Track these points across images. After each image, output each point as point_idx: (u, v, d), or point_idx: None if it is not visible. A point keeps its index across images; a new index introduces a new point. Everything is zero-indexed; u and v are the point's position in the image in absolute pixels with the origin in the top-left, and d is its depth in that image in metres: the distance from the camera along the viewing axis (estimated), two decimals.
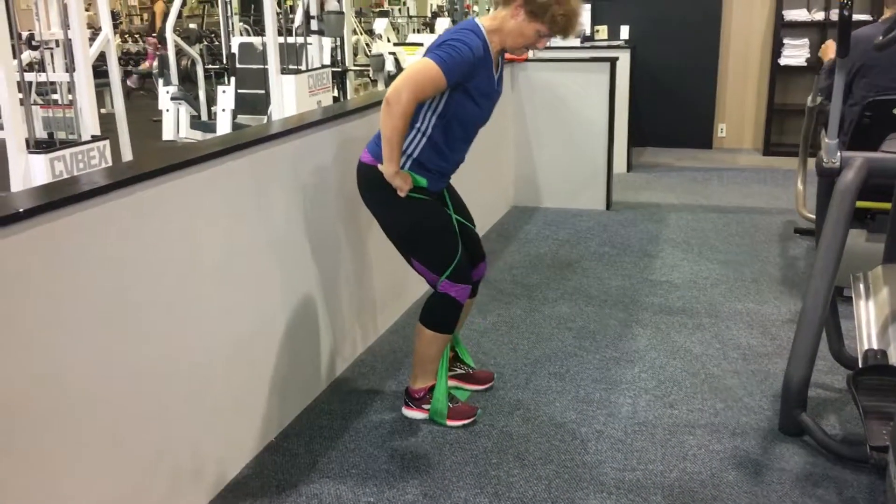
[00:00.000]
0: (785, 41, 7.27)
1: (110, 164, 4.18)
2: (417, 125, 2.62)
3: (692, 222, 5.36)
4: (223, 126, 6.70)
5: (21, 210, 1.71)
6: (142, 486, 2.14)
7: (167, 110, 7.22)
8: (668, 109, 7.65)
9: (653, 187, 6.37)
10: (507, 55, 2.76)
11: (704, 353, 3.41)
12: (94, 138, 4.06)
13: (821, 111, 4.67)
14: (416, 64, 2.48)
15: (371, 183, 2.65)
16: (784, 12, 7.21)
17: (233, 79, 6.92)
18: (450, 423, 2.84)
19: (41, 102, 5.38)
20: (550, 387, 3.14)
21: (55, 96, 5.12)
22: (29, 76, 4.69)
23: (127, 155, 5.37)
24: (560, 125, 5.67)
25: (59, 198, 1.81)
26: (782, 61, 7.29)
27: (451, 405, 2.87)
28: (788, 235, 5.03)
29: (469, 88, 2.56)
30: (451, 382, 3.04)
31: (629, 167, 6.89)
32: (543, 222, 5.43)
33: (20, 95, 3.98)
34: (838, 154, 2.79)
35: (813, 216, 4.68)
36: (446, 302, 2.74)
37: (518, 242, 4.99)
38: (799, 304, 3.86)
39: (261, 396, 2.71)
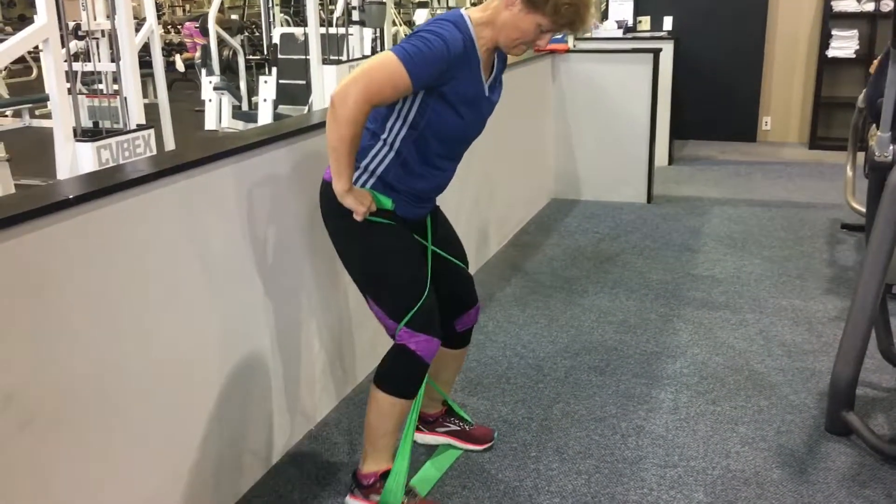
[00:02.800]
0: (833, 32, 7.11)
1: (155, 152, 4.23)
2: (383, 136, 2.11)
3: (735, 217, 5.28)
4: (265, 116, 6.75)
5: (71, 197, 1.73)
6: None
7: (209, 100, 7.30)
8: (712, 102, 7.53)
9: (695, 181, 6.28)
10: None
11: (748, 349, 3.35)
12: (140, 127, 4.11)
13: (871, 105, 4.56)
14: (375, 58, 1.95)
15: (327, 201, 2.14)
16: (833, 3, 7.04)
17: (274, 69, 6.96)
18: None
19: (86, 92, 5.46)
20: (590, 381, 3.12)
21: (100, 86, 5.20)
22: (75, 66, 4.76)
23: (170, 144, 5.44)
24: (601, 117, 5.61)
25: (108, 185, 1.83)
26: (830, 53, 7.13)
27: (406, 500, 2.25)
28: (835, 231, 4.92)
29: (446, 94, 2.03)
30: (444, 440, 2.66)
31: (671, 160, 6.80)
32: (583, 215, 5.38)
33: (67, 85, 4.04)
34: (891, 148, 2.72)
35: (862, 207, 4.58)
36: (404, 356, 2.17)
37: (558, 235, 4.95)
38: (846, 302, 3.78)
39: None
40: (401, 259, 2.18)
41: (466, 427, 2.66)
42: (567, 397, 2.99)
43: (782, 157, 7.10)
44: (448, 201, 3.88)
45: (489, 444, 2.66)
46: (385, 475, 2.26)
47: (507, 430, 2.78)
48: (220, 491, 2.31)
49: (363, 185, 2.14)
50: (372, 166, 2.13)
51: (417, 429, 2.64)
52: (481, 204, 4.31)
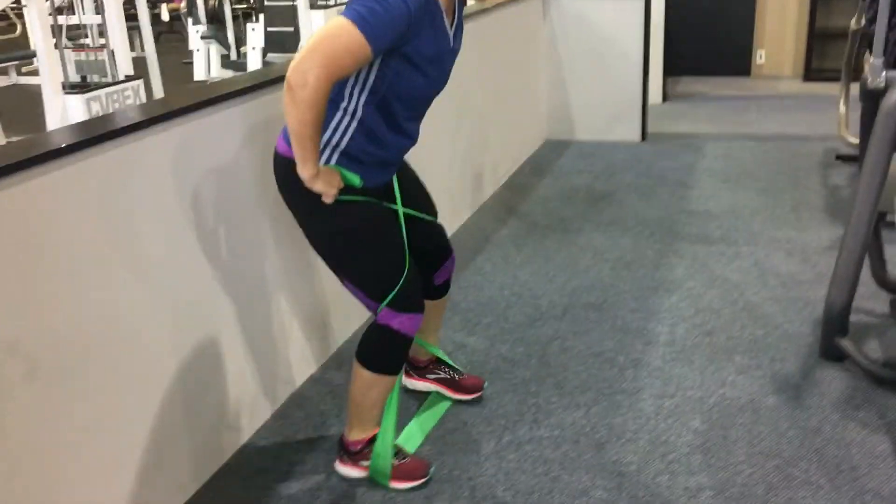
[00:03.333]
0: None
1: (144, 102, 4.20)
2: (343, 104, 1.94)
3: (730, 152, 5.27)
4: (254, 64, 6.68)
5: (64, 145, 1.73)
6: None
7: (197, 50, 7.21)
8: (705, 37, 7.45)
9: (689, 117, 6.25)
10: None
11: (743, 281, 3.39)
12: (128, 78, 4.07)
13: (864, 34, 4.52)
14: (326, 27, 1.75)
15: (288, 181, 1.96)
16: None
17: (261, 16, 6.87)
18: (393, 484, 2.22)
19: (73, 46, 5.40)
20: (588, 317, 3.15)
21: (86, 40, 5.13)
22: (60, 19, 4.70)
23: (159, 95, 5.39)
24: (593, 56, 5.55)
25: (100, 132, 1.82)
26: None
27: (396, 461, 2.23)
28: (829, 162, 4.92)
29: (408, 53, 1.86)
30: (433, 387, 2.62)
31: (665, 97, 6.75)
32: (577, 155, 5.37)
33: (53, 39, 3.99)
34: (883, 74, 2.71)
35: (855, 140, 4.58)
36: (387, 336, 2.08)
37: (552, 176, 4.95)
38: (840, 232, 3.80)
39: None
40: (376, 239, 2.05)
41: (456, 376, 2.62)
42: (565, 334, 3.03)
43: (777, 90, 7.06)
44: (441, 147, 3.88)
45: (478, 394, 2.62)
46: (372, 440, 2.22)
47: (506, 367, 2.82)
48: (196, 466, 2.25)
49: (327, 162, 1.96)
50: (335, 140, 1.96)
51: (407, 373, 2.65)
52: (475, 147, 4.30)
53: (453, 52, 2.03)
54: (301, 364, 2.75)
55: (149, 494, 2.06)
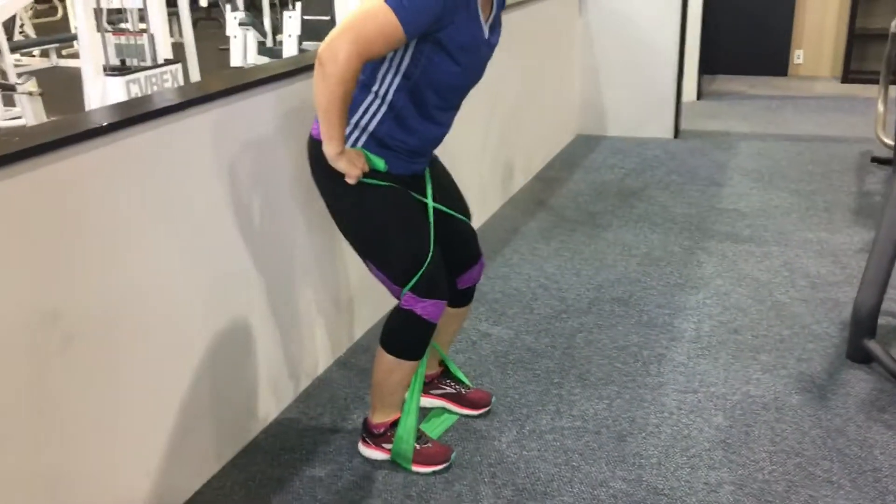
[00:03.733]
0: None
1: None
2: (374, 88, 1.95)
3: (764, 151, 5.23)
4: (290, 52, 6.73)
5: (105, 124, 1.77)
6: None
7: (234, 37, 7.28)
8: (742, 35, 7.38)
9: (723, 115, 6.20)
10: None
11: (772, 280, 3.37)
12: (167, 62, 4.13)
13: None
14: (363, 6, 1.77)
15: (318, 162, 1.98)
16: None
17: (298, 4, 6.92)
18: (415, 468, 2.24)
19: (112, 30, 5.48)
20: (613, 311, 3.16)
21: (126, 25, 5.21)
22: (102, 2, 4.78)
23: (196, 79, 5.46)
24: (628, 51, 5.53)
25: (139, 112, 1.87)
26: None
27: (418, 446, 2.25)
28: (865, 165, 4.86)
29: (442, 40, 1.86)
30: (438, 402, 2.53)
31: (699, 95, 6.70)
32: (609, 151, 5.36)
33: (94, 22, 4.07)
34: None
35: (891, 142, 4.53)
36: (411, 321, 2.09)
37: (583, 170, 4.94)
38: (872, 234, 3.77)
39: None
40: (401, 223, 2.05)
41: (463, 390, 2.53)
42: (590, 327, 3.04)
43: (814, 91, 6.97)
44: (473, 137, 3.90)
45: (486, 409, 2.52)
46: (395, 424, 2.25)
47: (530, 357, 2.84)
48: (220, 444, 2.28)
49: (354, 144, 1.99)
50: (363, 122, 1.97)
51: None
52: (507, 140, 4.31)
53: (489, 45, 2.02)
54: (326, 348, 2.79)
55: (175, 468, 2.11)
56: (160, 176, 1.95)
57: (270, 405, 2.49)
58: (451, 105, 2.05)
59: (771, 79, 7.44)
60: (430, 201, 2.14)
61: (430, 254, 2.06)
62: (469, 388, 2.55)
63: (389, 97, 1.94)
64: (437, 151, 2.25)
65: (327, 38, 1.75)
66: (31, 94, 3.81)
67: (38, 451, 1.71)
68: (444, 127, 2.08)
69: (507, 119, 4.29)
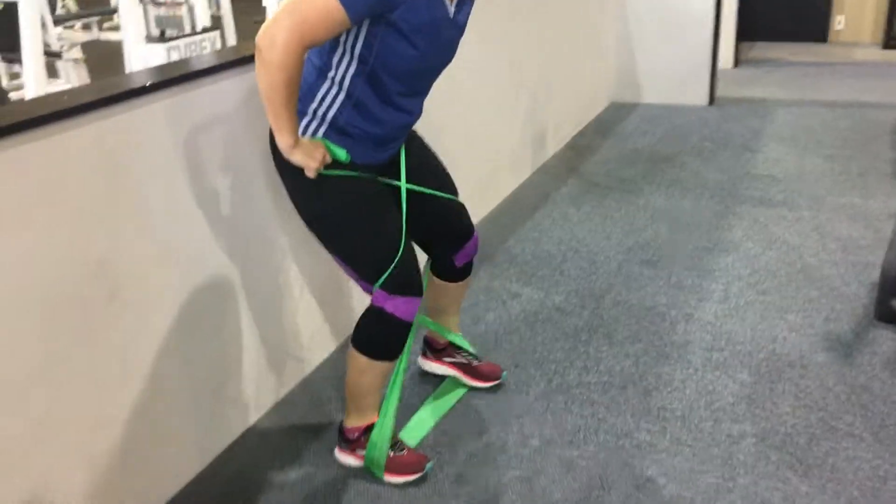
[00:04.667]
0: None
1: None
2: (330, 74, 1.82)
3: (800, 118, 5.18)
4: None
5: (147, 84, 1.86)
6: None
7: (268, 7, 7.35)
8: (781, 1, 7.26)
9: (760, 82, 6.14)
10: None
11: (802, 244, 3.38)
12: (206, 29, 4.22)
13: None
14: None
15: (277, 155, 1.85)
16: None
17: None
18: (388, 478, 2.10)
19: (152, 2, 5.59)
20: (642, 273, 3.20)
21: None
22: None
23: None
24: (663, 17, 5.49)
25: (181, 73, 1.95)
26: None
27: (392, 453, 2.11)
28: None
29: (395, 21, 1.72)
30: (450, 371, 2.49)
31: (736, 62, 6.63)
32: (642, 118, 5.35)
33: None
34: None
35: None
36: (382, 320, 1.96)
37: (615, 137, 4.95)
38: None
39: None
40: (368, 216, 1.93)
41: (473, 362, 2.49)
42: (619, 288, 3.09)
43: (854, 57, 6.85)
44: (505, 105, 3.94)
45: (496, 382, 2.48)
46: (370, 428, 2.12)
47: (559, 316, 2.90)
48: (200, 446, 2.19)
49: (313, 134, 1.85)
50: (321, 111, 1.84)
51: (423, 354, 2.55)
52: (538, 107, 4.34)
53: (456, 26, 1.87)
54: (316, 344, 2.65)
55: (158, 463, 2.21)
56: (201, 135, 2.04)
57: (255, 402, 2.37)
58: (416, 91, 1.92)
59: (810, 45, 7.32)
60: (402, 183, 2.02)
61: (401, 248, 1.93)
62: (479, 361, 2.50)
63: (346, 84, 1.82)
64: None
65: (265, 23, 1.64)
66: (75, 61, 3.94)
67: (90, 391, 1.82)
68: (411, 114, 1.95)
69: (539, 86, 4.31)
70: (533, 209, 3.89)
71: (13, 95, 4.44)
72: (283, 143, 1.74)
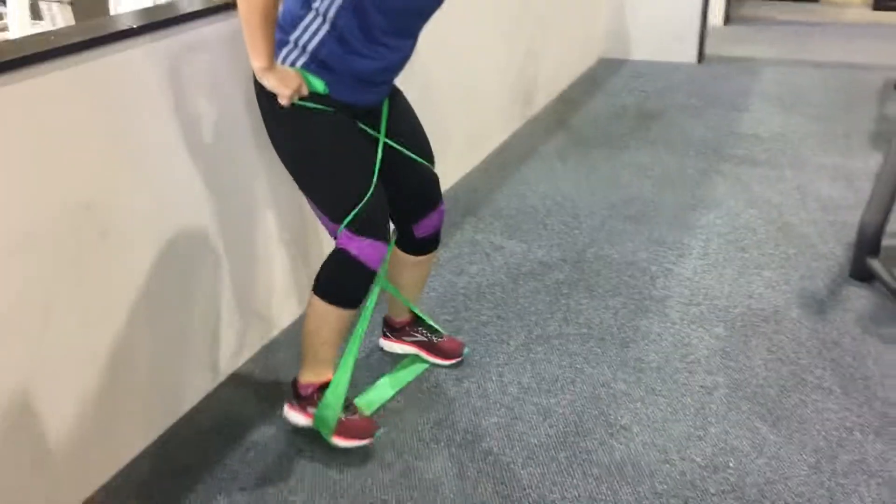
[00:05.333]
0: None
1: None
2: (315, 4, 1.76)
3: (788, 77, 5.19)
4: None
5: (135, 26, 1.85)
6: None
7: None
8: None
9: (750, 41, 6.13)
10: None
11: (783, 202, 3.42)
12: None
13: None
14: None
15: (257, 83, 1.82)
16: None
17: None
18: (336, 440, 2.03)
19: None
20: (625, 229, 3.24)
21: None
22: None
23: None
24: None
25: (165, 17, 1.94)
26: None
27: (343, 417, 2.04)
28: (889, 92, 4.83)
29: None
30: (410, 349, 2.42)
31: (727, 20, 6.61)
32: (631, 74, 5.35)
33: None
34: None
35: None
36: (346, 262, 1.90)
37: (603, 94, 4.95)
38: None
39: None
40: (340, 152, 1.88)
41: (435, 339, 2.41)
42: (601, 243, 3.13)
43: (844, 18, 6.85)
44: (496, 57, 3.93)
45: (458, 360, 2.40)
46: (324, 387, 2.03)
47: (541, 269, 2.94)
48: (160, 408, 2.15)
49: (293, 63, 1.80)
50: (303, 41, 1.78)
51: (383, 335, 2.47)
52: (529, 61, 4.33)
53: None
54: (288, 301, 2.60)
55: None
56: (186, 78, 2.04)
57: (232, 355, 2.36)
58: (404, 32, 1.85)
59: (802, 5, 7.30)
60: (382, 135, 1.97)
61: (372, 189, 1.88)
62: (441, 337, 2.42)
63: (331, 15, 1.75)
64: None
65: None
66: (60, 2, 3.87)
67: (82, 328, 1.85)
68: (399, 54, 1.87)
69: (531, 41, 4.30)
70: (520, 162, 3.91)
71: None
72: (256, 64, 1.71)
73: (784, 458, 2.01)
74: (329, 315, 1.96)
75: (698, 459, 2.01)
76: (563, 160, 3.94)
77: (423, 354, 2.42)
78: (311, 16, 1.77)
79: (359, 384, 2.27)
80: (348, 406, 2.08)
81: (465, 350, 2.44)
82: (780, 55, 5.71)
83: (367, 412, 2.18)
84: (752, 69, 5.39)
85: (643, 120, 4.47)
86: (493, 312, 2.68)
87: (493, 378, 2.35)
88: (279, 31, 1.77)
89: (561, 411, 2.20)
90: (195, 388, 2.25)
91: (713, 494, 1.90)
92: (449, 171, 3.65)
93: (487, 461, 2.03)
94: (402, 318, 2.41)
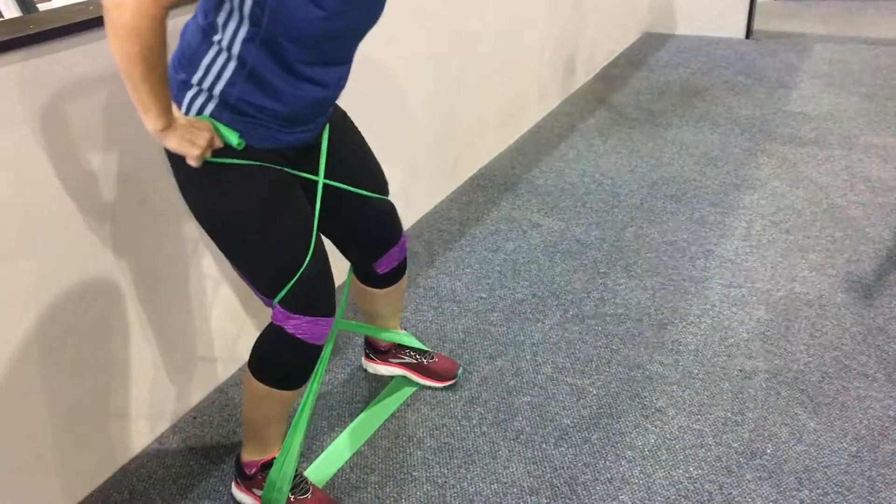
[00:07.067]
0: None
1: None
2: (216, 38, 1.42)
3: (839, 54, 5.03)
4: None
5: None
6: None
7: None
8: None
9: (800, 16, 5.95)
10: None
11: (831, 183, 3.33)
12: None
13: None
14: None
15: None
16: None
17: None
18: None
19: None
20: (665, 208, 3.18)
21: None
22: None
23: None
24: None
25: None
26: None
27: (292, 497, 1.78)
28: None
29: None
30: (398, 371, 2.22)
31: None
32: (676, 50, 5.23)
33: None
34: None
35: None
36: (282, 341, 1.62)
37: (647, 69, 4.85)
38: None
39: None
40: (265, 215, 1.54)
41: (425, 360, 2.20)
42: (640, 222, 3.08)
43: None
44: (535, 31, 3.86)
45: (451, 382, 2.20)
46: (269, 465, 1.80)
47: (578, 248, 2.90)
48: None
49: (200, 111, 1.46)
50: (208, 82, 1.44)
51: (367, 357, 2.25)
52: (569, 35, 4.25)
53: None
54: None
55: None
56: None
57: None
58: (330, 60, 1.49)
59: None
60: (320, 179, 1.65)
61: (308, 258, 1.57)
62: (432, 358, 2.20)
63: (236, 50, 1.41)
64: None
65: None
66: None
67: (123, 290, 1.87)
68: (326, 87, 1.52)
69: (571, 14, 4.22)
70: (559, 139, 3.85)
71: None
72: (150, 126, 1.36)
73: (824, 446, 1.97)
74: (269, 398, 1.69)
75: (735, 445, 1.98)
76: (603, 137, 3.87)
77: (413, 376, 2.20)
78: (212, 51, 1.43)
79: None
80: (298, 483, 1.80)
81: (460, 371, 2.23)
82: (830, 31, 5.54)
83: (321, 483, 1.90)
84: (802, 46, 5.23)
85: (687, 97, 4.37)
86: (528, 290, 2.65)
87: (527, 357, 2.33)
88: (180, 71, 1.46)
89: (595, 392, 2.18)
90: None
91: (749, 481, 1.87)
92: (486, 147, 3.61)
93: (519, 440, 2.02)
94: (386, 341, 2.20)
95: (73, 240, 1.74)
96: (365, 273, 1.94)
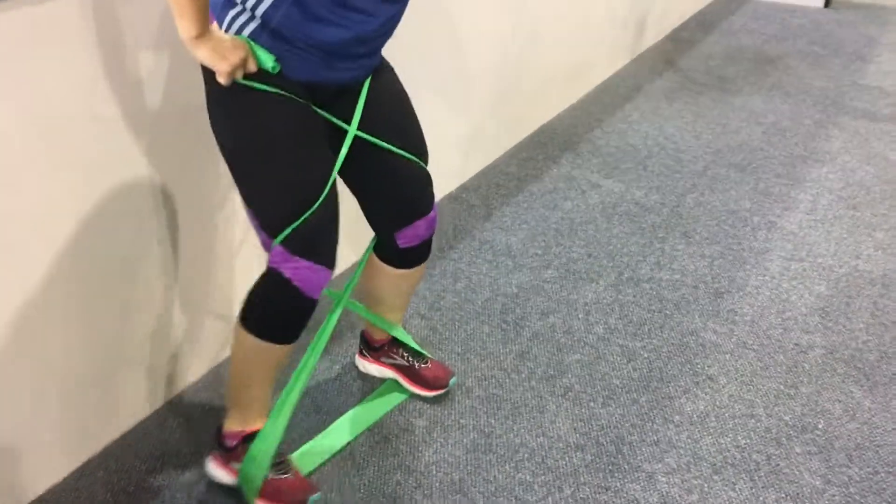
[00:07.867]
0: None
1: None
2: None
3: None
4: None
5: None
6: None
7: None
8: None
9: None
10: None
11: None
12: None
13: None
14: None
15: None
16: None
17: None
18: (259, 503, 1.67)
19: None
20: (729, 176, 3.12)
21: None
22: None
23: None
24: None
25: None
26: None
27: (272, 475, 1.67)
28: None
29: None
30: (388, 372, 2.04)
31: None
32: (751, 15, 5.08)
33: None
34: None
35: None
36: (277, 286, 1.53)
37: (719, 33, 4.72)
38: None
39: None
40: (284, 149, 1.48)
41: (418, 364, 2.01)
42: (702, 189, 3.03)
43: None
44: None
45: (441, 391, 2.01)
46: (251, 437, 1.67)
47: (637, 210, 2.87)
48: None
49: (240, 31, 1.41)
50: (251, 1, 1.39)
51: (360, 353, 2.09)
52: None
53: None
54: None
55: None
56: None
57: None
58: None
59: None
60: (353, 126, 1.56)
61: (320, 200, 1.49)
62: (425, 363, 2.02)
63: None
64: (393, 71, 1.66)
65: None
66: None
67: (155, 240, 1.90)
68: (372, 19, 1.44)
69: None
70: (624, 100, 3.79)
71: None
72: (182, 32, 1.34)
73: (877, 425, 1.94)
74: (259, 352, 1.59)
75: (786, 418, 1.96)
76: (669, 101, 3.80)
77: (403, 381, 2.03)
78: None
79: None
80: (281, 462, 1.70)
81: (453, 380, 2.03)
82: None
83: (305, 471, 1.76)
84: (883, 17, 5.04)
85: (760, 64, 4.25)
86: (584, 250, 2.64)
87: (580, 316, 2.33)
88: None
89: (646, 356, 2.17)
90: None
91: (798, 454, 1.86)
92: (551, 103, 3.57)
93: (567, 397, 2.03)
94: (381, 334, 2.02)
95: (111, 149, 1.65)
96: (384, 245, 1.78)
